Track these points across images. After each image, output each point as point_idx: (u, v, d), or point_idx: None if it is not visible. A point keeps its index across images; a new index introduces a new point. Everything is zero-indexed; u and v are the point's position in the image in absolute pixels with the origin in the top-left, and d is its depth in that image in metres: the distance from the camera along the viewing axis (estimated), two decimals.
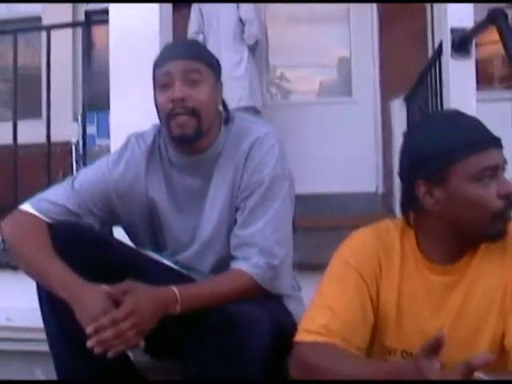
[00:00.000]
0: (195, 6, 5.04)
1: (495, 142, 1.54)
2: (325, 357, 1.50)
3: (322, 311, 1.58)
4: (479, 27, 2.76)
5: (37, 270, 1.77)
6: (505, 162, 1.54)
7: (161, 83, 1.87)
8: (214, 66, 1.93)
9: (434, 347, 1.28)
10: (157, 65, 1.90)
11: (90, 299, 1.63)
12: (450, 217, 1.55)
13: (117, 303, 1.63)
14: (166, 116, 1.85)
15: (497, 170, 1.51)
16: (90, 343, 1.56)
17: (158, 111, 1.90)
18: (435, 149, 1.52)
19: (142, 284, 1.69)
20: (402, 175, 1.64)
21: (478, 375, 1.26)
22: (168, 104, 1.83)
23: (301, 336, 1.58)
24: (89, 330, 1.56)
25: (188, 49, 1.91)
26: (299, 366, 1.55)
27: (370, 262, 1.62)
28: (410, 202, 1.62)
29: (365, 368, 1.45)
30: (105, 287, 1.63)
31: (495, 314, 1.57)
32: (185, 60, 1.85)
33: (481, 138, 1.52)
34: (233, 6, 4.87)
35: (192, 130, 1.83)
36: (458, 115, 1.62)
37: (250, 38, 4.88)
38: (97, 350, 1.56)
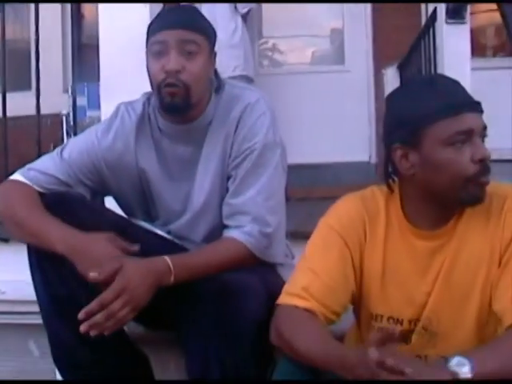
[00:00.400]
0: None
1: (472, 106, 1.53)
2: (292, 325, 1.53)
3: (305, 273, 1.60)
4: None
5: (31, 228, 1.75)
6: (483, 127, 1.53)
7: (155, 50, 1.82)
8: (211, 36, 1.89)
9: (383, 339, 1.30)
10: (152, 30, 1.85)
11: (94, 246, 1.64)
12: (425, 181, 1.55)
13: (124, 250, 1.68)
14: (158, 85, 1.82)
15: (471, 134, 1.50)
16: (82, 328, 1.54)
17: (149, 77, 1.86)
18: (409, 112, 1.53)
19: (134, 258, 1.68)
20: (383, 140, 1.65)
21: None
22: (161, 74, 1.80)
23: (282, 299, 1.60)
24: (80, 316, 1.54)
25: (186, 17, 1.85)
26: (273, 329, 1.57)
27: (354, 229, 1.63)
28: (389, 166, 1.63)
29: (320, 347, 1.45)
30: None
31: (482, 279, 1.57)
32: (182, 29, 1.80)
33: (455, 102, 1.50)
34: None
35: (181, 101, 1.81)
36: (437, 79, 1.62)
37: (243, 7, 4.84)
38: (92, 333, 1.55)
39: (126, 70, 2.60)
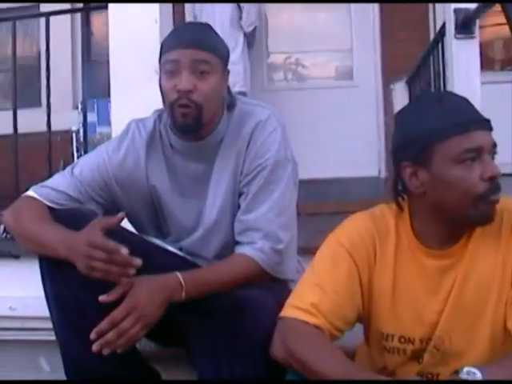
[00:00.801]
0: None
1: (481, 124, 1.52)
2: (304, 343, 1.50)
3: (313, 289, 1.59)
4: (483, 7, 2.73)
5: (34, 236, 1.77)
6: (493, 144, 1.52)
7: (168, 69, 1.83)
8: (224, 55, 1.89)
9: None
10: (165, 48, 1.85)
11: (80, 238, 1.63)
12: (435, 200, 1.54)
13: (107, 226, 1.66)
14: (170, 104, 1.83)
15: (481, 152, 1.49)
16: (94, 347, 1.55)
17: (162, 94, 1.87)
18: (419, 130, 1.52)
19: (144, 276, 1.68)
20: (392, 157, 1.64)
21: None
22: (173, 93, 1.81)
23: (288, 312, 1.58)
24: (92, 336, 1.55)
25: (199, 36, 1.85)
26: (279, 342, 1.56)
27: (364, 247, 1.62)
28: (398, 184, 1.62)
29: (336, 368, 1.42)
30: (101, 297, 1.60)
31: (494, 297, 1.55)
32: (195, 49, 1.80)
33: (464, 120, 1.50)
34: None
35: (193, 121, 1.81)
36: (446, 97, 1.61)
37: (249, 25, 4.85)
38: (105, 352, 1.55)
39: (136, 86, 2.61)
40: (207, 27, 1.93)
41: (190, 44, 1.81)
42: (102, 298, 1.60)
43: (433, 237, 1.59)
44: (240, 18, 4.84)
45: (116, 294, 1.60)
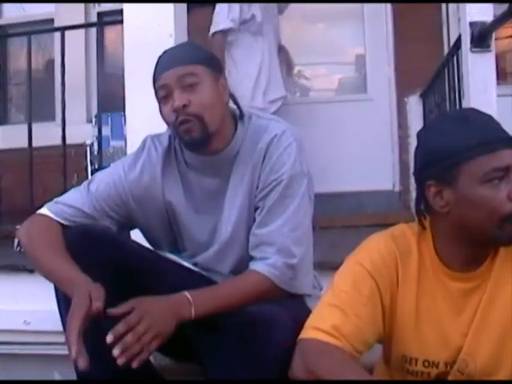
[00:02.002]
0: None
1: (508, 143, 1.50)
2: (332, 362, 1.48)
3: (334, 311, 1.56)
4: (500, 20, 2.71)
5: (44, 266, 1.77)
6: None
7: (161, 96, 1.86)
8: (210, 62, 1.89)
9: None
10: (155, 79, 1.88)
11: (79, 295, 1.60)
12: (460, 219, 1.52)
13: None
14: (173, 126, 1.85)
15: (508, 171, 1.47)
16: (115, 351, 1.52)
17: (165, 122, 1.89)
18: (444, 149, 1.50)
19: (150, 296, 1.66)
20: (415, 176, 1.63)
21: None
22: (172, 115, 1.82)
23: (309, 333, 1.56)
24: (109, 338, 1.53)
25: (178, 54, 1.88)
26: (302, 363, 1.53)
27: (386, 269, 1.60)
28: (422, 203, 1.60)
29: None
30: (109, 310, 1.58)
31: None
32: (177, 67, 1.82)
33: (491, 138, 1.48)
34: None
35: (199, 134, 1.82)
36: (471, 114, 1.58)
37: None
38: (120, 361, 1.53)
39: (151, 100, 2.61)
40: (185, 44, 1.99)
41: (171, 64, 1.83)
42: (111, 311, 1.58)
43: (457, 258, 1.57)
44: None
45: (125, 309, 1.59)
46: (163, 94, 1.84)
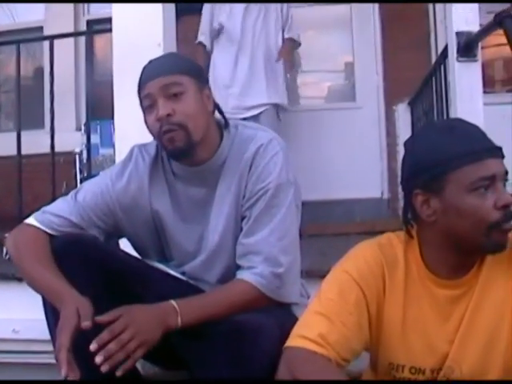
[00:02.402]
0: None
1: (494, 152, 1.51)
2: (316, 370, 1.49)
3: (320, 320, 1.56)
4: (485, 30, 2.74)
5: (31, 276, 1.78)
6: (505, 172, 1.52)
7: (145, 105, 1.86)
8: (194, 73, 1.90)
9: None
10: (139, 88, 1.88)
11: (67, 311, 1.61)
12: (447, 228, 1.53)
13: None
14: (158, 136, 1.85)
15: (494, 180, 1.49)
16: (98, 359, 1.52)
17: (150, 132, 1.89)
18: (431, 158, 1.51)
19: (137, 305, 1.66)
20: (402, 185, 1.63)
21: None
22: (156, 124, 1.82)
23: (295, 341, 1.56)
24: (92, 346, 1.53)
25: (163, 64, 1.88)
26: (287, 372, 1.53)
27: (373, 277, 1.61)
28: (409, 212, 1.61)
29: None
30: (97, 318, 1.59)
31: (507, 327, 1.55)
32: (161, 76, 1.82)
33: (478, 148, 1.49)
34: None
35: (182, 143, 1.82)
36: (457, 124, 1.60)
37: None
38: (104, 369, 1.52)
39: (139, 109, 2.62)
40: (170, 54, 1.99)
41: (155, 74, 1.83)
42: (98, 318, 1.59)
43: (443, 266, 1.58)
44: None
45: (112, 317, 1.59)
46: (147, 104, 1.85)
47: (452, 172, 1.49)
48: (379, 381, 1.63)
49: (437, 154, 1.51)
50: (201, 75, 1.93)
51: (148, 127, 1.88)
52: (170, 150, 1.85)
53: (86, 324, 1.57)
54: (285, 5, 4.65)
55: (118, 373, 1.54)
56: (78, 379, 1.53)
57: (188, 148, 1.83)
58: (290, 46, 4.70)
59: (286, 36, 4.62)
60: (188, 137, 1.82)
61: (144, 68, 1.91)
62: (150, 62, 1.93)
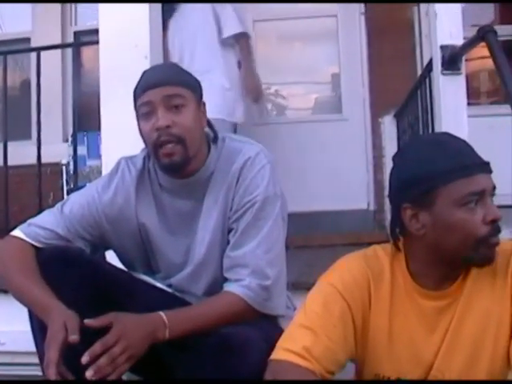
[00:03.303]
0: None
1: (483, 167, 1.53)
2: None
3: (305, 333, 1.57)
4: (469, 44, 2.77)
5: (17, 289, 1.78)
6: (493, 187, 1.53)
7: (143, 112, 1.85)
8: (195, 87, 1.91)
9: None
10: (137, 94, 1.88)
11: (55, 325, 1.60)
12: (435, 241, 1.54)
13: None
14: (153, 145, 1.84)
15: (483, 195, 1.50)
16: (88, 374, 1.52)
17: (143, 139, 1.89)
18: (421, 173, 1.52)
19: (127, 313, 1.67)
20: (390, 199, 1.65)
21: None
22: (153, 133, 1.82)
23: (280, 354, 1.56)
24: (84, 359, 1.53)
25: (168, 74, 1.88)
26: None
27: (358, 289, 1.61)
28: (397, 225, 1.62)
29: None
30: (87, 320, 1.59)
31: (491, 338, 1.56)
32: (165, 86, 1.82)
33: (467, 163, 1.51)
34: None
35: (180, 158, 1.83)
36: (446, 139, 1.61)
37: (229, 30, 4.20)
38: (94, 377, 1.53)
39: (126, 120, 2.62)
40: (173, 65, 1.98)
41: (158, 83, 1.83)
42: (88, 321, 1.59)
43: (430, 278, 1.59)
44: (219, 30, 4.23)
45: (103, 322, 1.60)
46: (145, 111, 1.84)
47: (442, 187, 1.50)
48: (373, 381, 1.64)
49: (427, 169, 1.52)
50: (200, 90, 1.94)
51: (142, 135, 1.88)
52: (166, 163, 1.84)
53: (74, 338, 1.57)
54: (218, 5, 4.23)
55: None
56: None
57: (183, 162, 1.84)
58: (248, 71, 4.30)
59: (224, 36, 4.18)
60: (185, 151, 1.83)
61: (144, 74, 1.92)
62: (152, 69, 1.94)
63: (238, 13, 4.25)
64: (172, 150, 1.81)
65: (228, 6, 4.18)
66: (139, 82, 1.89)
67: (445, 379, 1.58)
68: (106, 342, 1.56)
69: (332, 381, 1.58)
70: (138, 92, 1.87)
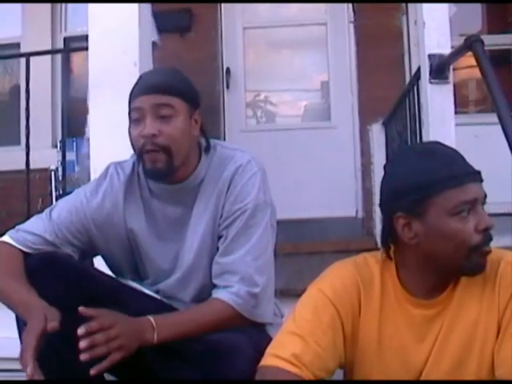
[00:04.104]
0: None
1: (474, 176, 1.54)
2: None
3: (294, 339, 1.57)
4: (456, 53, 2.80)
5: (2, 291, 1.76)
6: (484, 196, 1.55)
7: (133, 117, 1.86)
8: (189, 96, 1.89)
9: None
10: (131, 98, 1.88)
11: (35, 317, 1.60)
12: (428, 250, 1.55)
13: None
14: (139, 151, 1.85)
15: (475, 203, 1.52)
16: (82, 344, 1.53)
17: (131, 144, 1.89)
18: (414, 182, 1.53)
19: (117, 313, 1.67)
20: (382, 208, 1.65)
21: None
22: (139, 140, 1.83)
23: (270, 361, 1.56)
24: (80, 330, 1.53)
25: (161, 81, 1.86)
26: None
27: (348, 298, 1.62)
28: (389, 234, 1.62)
29: None
30: (81, 308, 1.58)
31: (479, 345, 1.57)
32: (155, 94, 1.82)
33: (459, 172, 1.52)
34: None
35: (163, 166, 1.83)
36: (437, 148, 1.62)
37: None
38: (83, 357, 1.52)
39: (115, 126, 2.63)
40: (172, 71, 1.93)
41: (151, 90, 1.83)
42: (83, 309, 1.58)
43: (420, 286, 1.60)
44: None
45: (97, 313, 1.59)
46: (136, 117, 1.85)
47: (435, 196, 1.51)
48: (367, 381, 1.64)
49: (420, 178, 1.53)
50: (194, 99, 1.92)
51: (131, 138, 1.88)
52: (149, 170, 1.85)
53: (53, 324, 1.56)
54: None
55: (92, 371, 1.54)
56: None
57: (168, 171, 1.84)
58: None
59: None
60: (170, 160, 1.83)
61: (141, 77, 1.92)
62: (149, 73, 1.93)
63: None
64: (156, 157, 1.82)
65: None
66: (135, 85, 1.90)
67: None
68: (102, 322, 1.57)
69: (332, 381, 1.59)
70: (133, 96, 1.87)
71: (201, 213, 1.90)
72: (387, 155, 4.88)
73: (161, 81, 1.87)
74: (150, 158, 1.82)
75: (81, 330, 1.53)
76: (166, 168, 1.83)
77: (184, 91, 1.89)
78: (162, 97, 1.83)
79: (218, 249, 1.89)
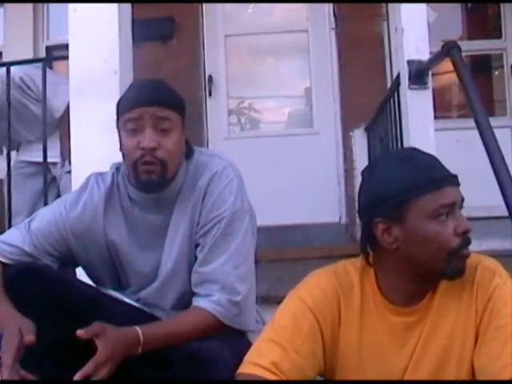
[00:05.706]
0: None
1: (452, 180, 1.56)
2: None
3: (273, 347, 1.57)
4: (435, 59, 2.82)
5: None
6: (462, 199, 1.56)
7: (130, 127, 1.83)
8: (182, 110, 1.90)
9: None
10: (126, 106, 1.85)
11: (10, 331, 1.60)
12: (408, 255, 1.55)
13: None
14: (134, 162, 1.83)
15: (454, 207, 1.53)
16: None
17: (123, 154, 1.87)
18: (393, 187, 1.54)
19: (110, 326, 1.67)
20: (360, 214, 1.65)
21: None
22: (137, 151, 1.81)
23: (248, 369, 1.56)
24: (77, 377, 1.54)
25: (160, 93, 1.86)
26: None
27: (328, 306, 1.62)
28: (368, 240, 1.62)
29: None
30: (79, 331, 1.58)
31: (457, 351, 1.57)
32: (155, 106, 1.81)
33: (437, 177, 1.53)
34: None
35: (157, 178, 1.83)
36: (414, 154, 1.63)
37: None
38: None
39: (95, 136, 2.63)
40: (166, 85, 1.92)
41: (152, 101, 1.82)
42: (80, 332, 1.58)
43: (399, 294, 1.60)
44: None
45: (91, 334, 1.60)
46: (133, 127, 1.82)
47: (413, 200, 1.51)
48: (373, 381, 1.63)
49: (398, 183, 1.53)
50: (185, 113, 1.92)
51: (124, 148, 1.86)
52: (144, 181, 1.84)
53: (30, 338, 1.57)
54: None
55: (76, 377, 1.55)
56: None
57: (160, 183, 1.84)
58: None
59: None
60: (164, 173, 1.83)
61: (134, 88, 1.91)
62: (143, 85, 1.90)
63: None
64: (152, 169, 1.81)
65: None
66: (129, 95, 1.88)
67: None
68: (97, 363, 1.57)
69: (331, 381, 1.59)
70: (127, 105, 1.85)
71: (179, 221, 1.90)
72: (370, 161, 4.90)
73: (161, 93, 1.86)
74: (147, 169, 1.81)
75: (77, 377, 1.54)
76: (160, 180, 1.83)
77: (180, 105, 1.90)
78: (163, 110, 1.82)
79: (196, 257, 1.88)
